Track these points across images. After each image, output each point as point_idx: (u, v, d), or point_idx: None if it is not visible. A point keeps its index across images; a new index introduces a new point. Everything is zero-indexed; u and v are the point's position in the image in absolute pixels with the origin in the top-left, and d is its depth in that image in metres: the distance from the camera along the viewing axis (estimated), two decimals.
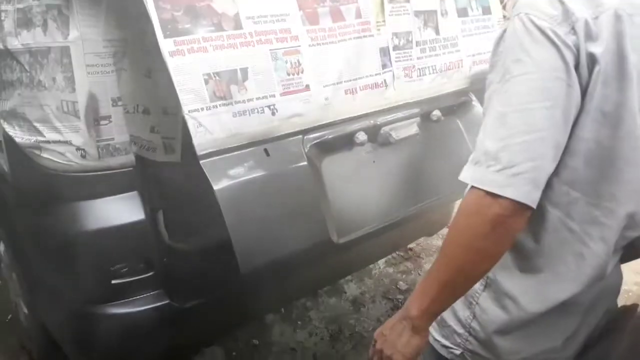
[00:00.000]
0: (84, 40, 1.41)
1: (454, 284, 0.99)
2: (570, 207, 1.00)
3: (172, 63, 1.33)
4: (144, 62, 1.52)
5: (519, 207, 0.89)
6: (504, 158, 0.89)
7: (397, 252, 3.20)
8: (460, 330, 1.16)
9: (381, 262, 3.14)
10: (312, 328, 2.63)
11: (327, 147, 1.69)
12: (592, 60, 0.90)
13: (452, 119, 2.10)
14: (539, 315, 1.07)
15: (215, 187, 1.37)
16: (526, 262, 1.07)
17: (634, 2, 0.93)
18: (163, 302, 1.64)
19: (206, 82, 1.38)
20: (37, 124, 1.46)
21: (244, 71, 1.45)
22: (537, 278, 1.06)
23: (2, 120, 1.53)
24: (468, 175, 0.94)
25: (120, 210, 1.56)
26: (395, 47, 1.85)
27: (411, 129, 1.89)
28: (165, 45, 1.32)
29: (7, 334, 2.42)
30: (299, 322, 2.66)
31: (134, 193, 1.58)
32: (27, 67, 1.43)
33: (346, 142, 1.74)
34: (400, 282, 3.01)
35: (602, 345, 1.13)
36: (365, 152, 1.82)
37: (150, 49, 1.48)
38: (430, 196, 2.01)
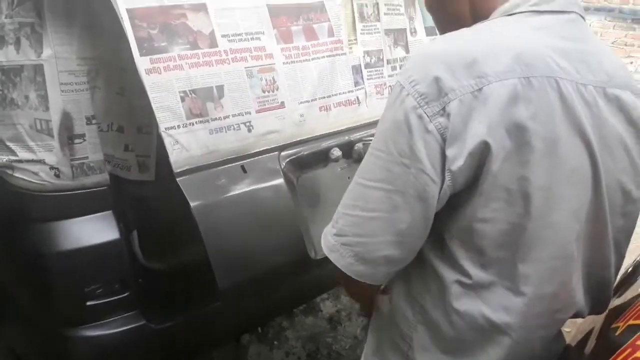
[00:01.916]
0: (58, 58, 1.40)
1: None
2: (485, 292, 0.90)
3: (148, 81, 1.34)
4: (118, 80, 1.53)
5: (344, 274, 0.89)
6: (339, 225, 0.89)
7: None
8: None
9: None
10: (289, 347, 2.61)
11: (302, 163, 1.71)
12: (479, 138, 0.78)
13: None
14: None
15: (192, 204, 1.37)
16: (445, 344, 0.96)
17: (529, 62, 0.80)
18: (139, 323, 1.62)
19: (182, 99, 1.39)
20: (9, 143, 1.44)
21: (220, 89, 1.47)
22: None
23: None
24: (327, 227, 0.94)
25: (94, 230, 1.54)
26: (367, 65, 1.89)
27: None
28: (142, 63, 1.33)
29: None
30: (276, 342, 2.64)
31: (109, 212, 1.56)
32: None
33: (321, 158, 1.77)
34: None
35: None
36: (340, 167, 1.84)
37: (124, 67, 1.49)
38: None
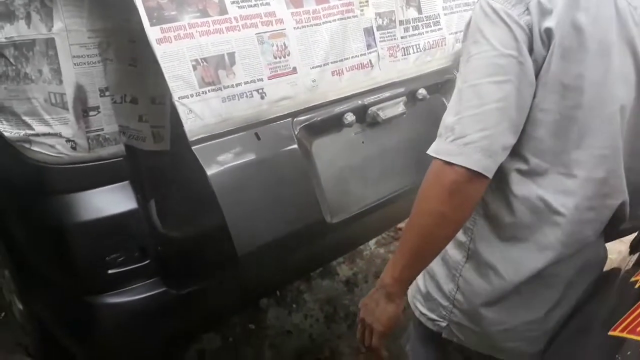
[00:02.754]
0: (69, 31, 1.41)
1: (421, 250, 1.06)
2: (541, 178, 1.05)
3: (159, 50, 1.34)
4: (129, 51, 1.53)
5: (472, 174, 0.96)
6: (457, 129, 0.97)
7: (387, 233, 3.24)
8: (445, 303, 1.21)
9: (371, 243, 3.18)
10: (307, 310, 2.66)
11: (316, 129, 1.72)
12: (548, 35, 0.95)
13: (437, 97, 2.13)
14: (519, 285, 1.11)
15: (208, 172, 1.39)
16: (503, 232, 1.11)
17: None
18: (160, 290, 1.65)
19: (194, 68, 1.39)
20: (25, 117, 1.45)
21: (231, 56, 1.46)
22: (515, 247, 1.11)
23: None
24: (431, 147, 1.01)
25: (113, 200, 1.57)
26: (379, 27, 1.87)
27: (398, 108, 1.92)
28: (152, 33, 1.33)
29: (1, 331, 2.42)
30: (294, 305, 2.69)
31: (126, 183, 1.59)
32: (12, 61, 1.42)
33: (335, 123, 1.77)
34: None
35: (586, 310, 1.15)
36: (354, 132, 1.85)
37: (135, 39, 1.48)
38: (418, 175, 2.01)
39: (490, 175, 0.97)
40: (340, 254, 2.72)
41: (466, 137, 0.96)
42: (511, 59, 0.95)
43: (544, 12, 0.94)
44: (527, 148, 1.03)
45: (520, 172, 1.05)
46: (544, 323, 1.15)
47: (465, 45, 1.02)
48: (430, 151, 1.01)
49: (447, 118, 1.00)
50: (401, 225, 3.27)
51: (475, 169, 0.95)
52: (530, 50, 0.96)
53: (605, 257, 1.22)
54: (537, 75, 0.97)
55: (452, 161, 0.96)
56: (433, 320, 1.25)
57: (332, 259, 2.75)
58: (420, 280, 1.29)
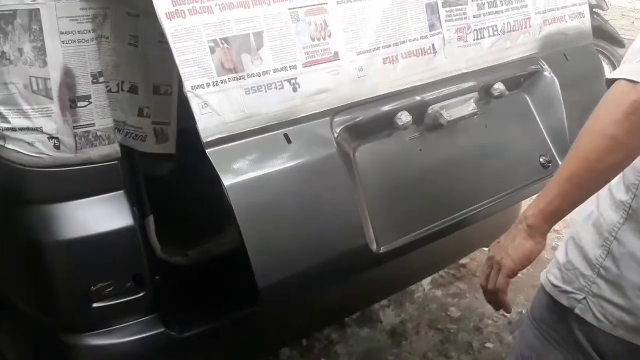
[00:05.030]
0: (57, 1, 1.47)
1: (581, 178, 1.19)
2: None
3: (169, 27, 1.38)
4: (129, 27, 1.58)
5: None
6: None
7: (445, 270, 3.24)
8: (588, 272, 1.34)
9: (425, 282, 3.18)
10: None
11: (361, 131, 1.75)
12: None
13: (519, 93, 2.15)
14: None
15: (225, 183, 1.43)
16: None
17: None
18: (157, 331, 1.69)
19: (212, 50, 1.44)
20: (0, 107, 1.51)
21: (258, 36, 1.51)
22: None
23: None
24: (614, 72, 1.16)
25: (102, 215, 1.60)
26: (446, 3, 1.90)
27: (467, 107, 1.94)
28: (161, 4, 1.38)
29: None
30: (323, 359, 2.71)
31: (120, 193, 1.63)
32: None
33: (385, 124, 1.80)
34: (452, 308, 3.05)
35: None
36: (409, 137, 1.87)
37: (137, 11, 1.54)
38: (491, 194, 2.05)
39: None
40: (385, 295, 2.74)
41: None
42: None
43: None
44: None
45: None
46: None
47: None
48: (613, 74, 1.15)
49: (636, 44, 1.18)
50: (465, 261, 3.28)
51: None
52: None
53: None
54: None
55: (637, 79, 1.10)
56: (567, 292, 1.37)
57: (374, 301, 2.76)
58: (560, 251, 1.43)
